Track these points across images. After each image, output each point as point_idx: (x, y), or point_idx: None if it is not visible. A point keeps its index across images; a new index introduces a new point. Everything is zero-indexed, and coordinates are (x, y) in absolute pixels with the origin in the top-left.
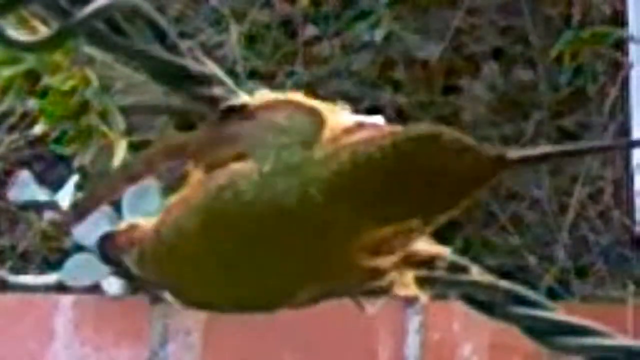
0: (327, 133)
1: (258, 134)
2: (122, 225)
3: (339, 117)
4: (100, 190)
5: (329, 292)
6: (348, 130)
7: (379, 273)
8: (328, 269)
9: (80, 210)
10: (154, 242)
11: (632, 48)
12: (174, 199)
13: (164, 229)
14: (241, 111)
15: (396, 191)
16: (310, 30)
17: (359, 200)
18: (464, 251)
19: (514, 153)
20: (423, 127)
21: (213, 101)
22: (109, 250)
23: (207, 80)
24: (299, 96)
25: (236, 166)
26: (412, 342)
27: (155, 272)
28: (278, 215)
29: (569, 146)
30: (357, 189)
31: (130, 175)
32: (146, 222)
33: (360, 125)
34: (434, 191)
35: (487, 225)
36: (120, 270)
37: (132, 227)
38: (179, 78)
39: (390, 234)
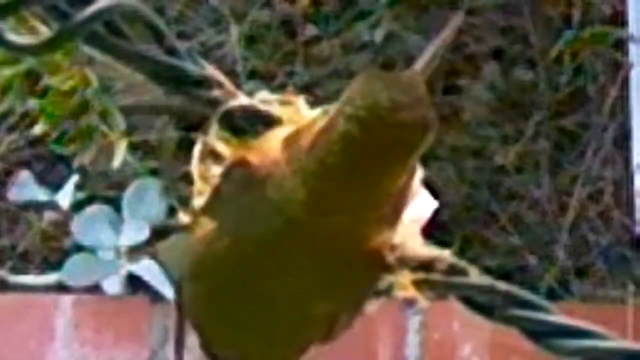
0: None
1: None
2: None
3: (269, 138)
4: None
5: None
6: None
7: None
8: (344, 280)
9: None
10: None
11: (632, 48)
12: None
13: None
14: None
15: (377, 156)
16: (310, 30)
17: (353, 185)
18: (463, 251)
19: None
20: (355, 87)
21: (212, 103)
22: None
23: (206, 82)
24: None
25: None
26: (412, 342)
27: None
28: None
29: None
30: (348, 174)
31: None
32: None
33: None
34: (403, 136)
35: (487, 225)
36: None
37: None
38: (178, 80)
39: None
